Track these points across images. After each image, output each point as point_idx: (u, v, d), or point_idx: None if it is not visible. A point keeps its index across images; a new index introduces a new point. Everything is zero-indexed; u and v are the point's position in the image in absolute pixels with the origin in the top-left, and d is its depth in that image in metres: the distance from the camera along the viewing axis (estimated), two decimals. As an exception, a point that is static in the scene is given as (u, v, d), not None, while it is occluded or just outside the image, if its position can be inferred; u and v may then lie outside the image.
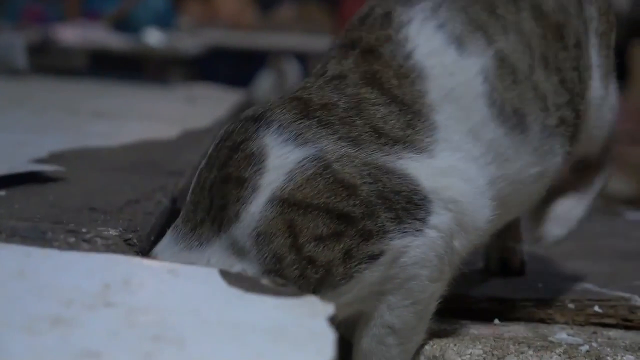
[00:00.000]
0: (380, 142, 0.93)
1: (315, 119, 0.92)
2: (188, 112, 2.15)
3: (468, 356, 1.03)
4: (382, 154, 0.92)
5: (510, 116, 1.00)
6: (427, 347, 1.03)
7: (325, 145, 0.90)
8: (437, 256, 0.94)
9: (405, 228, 0.91)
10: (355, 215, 0.89)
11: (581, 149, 1.16)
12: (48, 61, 3.89)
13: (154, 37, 4.67)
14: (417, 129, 0.95)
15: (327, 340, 0.73)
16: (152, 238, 1.11)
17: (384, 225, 0.90)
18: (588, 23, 1.13)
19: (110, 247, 0.97)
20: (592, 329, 1.13)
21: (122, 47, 4.56)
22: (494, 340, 1.05)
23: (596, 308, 1.16)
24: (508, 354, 1.02)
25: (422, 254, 0.93)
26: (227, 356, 0.71)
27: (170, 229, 0.95)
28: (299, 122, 0.92)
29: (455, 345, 1.04)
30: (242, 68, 5.95)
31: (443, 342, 1.04)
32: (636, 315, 1.15)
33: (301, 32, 6.57)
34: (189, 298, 0.83)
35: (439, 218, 0.93)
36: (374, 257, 0.90)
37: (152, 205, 1.22)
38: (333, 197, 0.88)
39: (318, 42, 6.27)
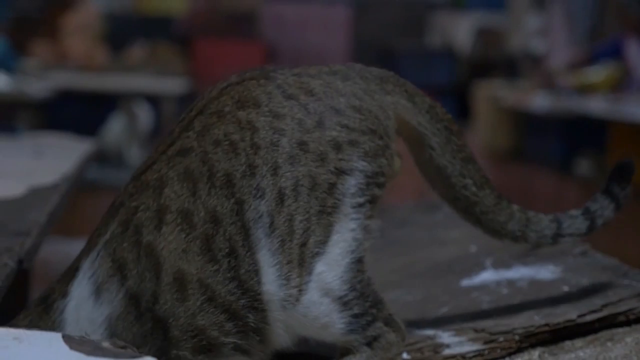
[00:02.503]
0: None
1: None
2: (35, 166, 2.17)
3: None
4: None
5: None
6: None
7: None
8: None
9: None
10: None
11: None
12: None
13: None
14: None
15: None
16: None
17: None
18: (251, 223, 1.05)
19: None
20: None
21: (-34, 92, 4.46)
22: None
23: (405, 356, 1.14)
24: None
25: None
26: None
27: None
28: None
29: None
30: (93, 111, 5.92)
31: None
32: (440, 354, 1.14)
33: (152, 74, 6.58)
34: (32, 364, 0.90)
35: None
36: None
37: (-3, 268, 1.25)
38: None
39: (170, 84, 6.31)
